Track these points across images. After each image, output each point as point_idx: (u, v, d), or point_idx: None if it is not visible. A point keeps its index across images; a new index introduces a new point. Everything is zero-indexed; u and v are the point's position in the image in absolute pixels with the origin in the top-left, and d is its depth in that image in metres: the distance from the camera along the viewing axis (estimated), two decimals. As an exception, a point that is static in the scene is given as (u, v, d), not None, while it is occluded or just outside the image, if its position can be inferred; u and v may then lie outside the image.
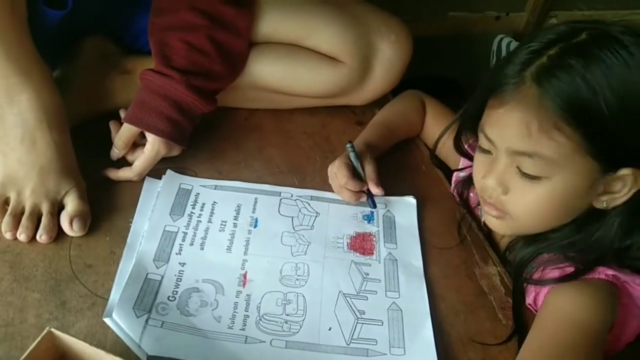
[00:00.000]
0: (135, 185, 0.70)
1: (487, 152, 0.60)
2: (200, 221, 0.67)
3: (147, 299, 0.57)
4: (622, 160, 0.54)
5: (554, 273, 0.59)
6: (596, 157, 0.53)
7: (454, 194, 0.75)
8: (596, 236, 0.58)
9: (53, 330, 0.49)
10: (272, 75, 0.78)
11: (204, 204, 0.69)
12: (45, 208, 0.63)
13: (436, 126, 0.79)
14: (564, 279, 0.58)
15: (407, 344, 0.57)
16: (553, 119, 0.52)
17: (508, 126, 0.55)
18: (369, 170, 0.70)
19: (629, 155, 0.54)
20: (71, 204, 0.64)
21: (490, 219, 0.63)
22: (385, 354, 0.56)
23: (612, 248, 0.57)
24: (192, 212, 0.67)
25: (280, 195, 0.71)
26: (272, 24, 0.77)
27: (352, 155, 0.70)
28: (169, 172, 0.71)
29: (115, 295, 0.57)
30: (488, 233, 0.72)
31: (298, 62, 0.78)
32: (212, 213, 0.68)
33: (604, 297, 0.57)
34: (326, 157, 0.78)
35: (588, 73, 0.51)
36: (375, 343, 0.57)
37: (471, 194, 0.73)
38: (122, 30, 0.82)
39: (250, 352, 0.55)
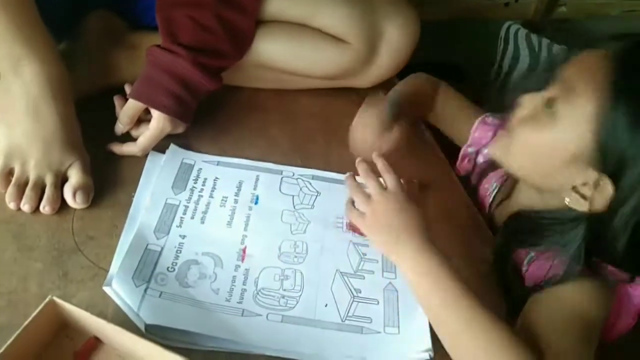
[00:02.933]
0: (139, 160, 0.70)
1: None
2: (202, 196, 0.67)
3: (146, 269, 0.58)
4: (615, 159, 0.55)
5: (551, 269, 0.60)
6: (597, 138, 0.55)
7: (459, 168, 0.77)
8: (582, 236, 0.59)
9: (55, 298, 0.50)
10: (278, 54, 0.78)
11: (205, 179, 0.69)
12: (49, 179, 0.63)
13: (447, 107, 0.81)
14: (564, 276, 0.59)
15: (402, 324, 0.58)
16: (613, 89, 0.55)
17: (583, 64, 0.59)
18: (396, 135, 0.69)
19: (617, 166, 0.55)
20: (75, 176, 0.64)
21: (495, 141, 0.67)
22: (379, 332, 0.57)
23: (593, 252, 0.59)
24: (194, 187, 0.68)
25: (282, 174, 0.72)
26: (279, 3, 0.77)
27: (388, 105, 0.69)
28: (172, 146, 0.72)
29: (115, 265, 0.58)
30: (490, 218, 0.73)
31: (304, 42, 0.78)
32: (213, 188, 0.68)
33: (603, 291, 0.58)
34: (329, 139, 0.79)
35: None
36: (370, 321, 0.58)
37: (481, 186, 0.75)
38: (129, 6, 0.81)
39: (246, 324, 0.56)
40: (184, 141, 0.74)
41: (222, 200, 0.67)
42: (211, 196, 0.68)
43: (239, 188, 0.69)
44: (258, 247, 0.63)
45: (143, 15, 0.81)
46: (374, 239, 0.59)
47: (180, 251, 0.61)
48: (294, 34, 0.78)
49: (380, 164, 0.62)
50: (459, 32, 0.82)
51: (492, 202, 0.75)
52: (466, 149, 0.78)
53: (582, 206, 0.58)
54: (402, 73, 0.84)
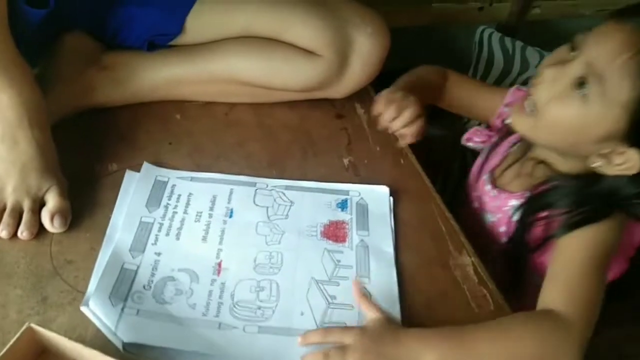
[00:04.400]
0: (116, 182, 0.71)
1: (570, 53, 0.63)
2: (176, 212, 0.68)
3: (123, 288, 0.59)
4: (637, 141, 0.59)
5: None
6: (629, 120, 0.58)
7: (492, 124, 0.84)
8: (604, 187, 0.64)
9: (33, 325, 0.51)
10: (251, 70, 0.80)
11: (180, 195, 0.70)
12: (26, 205, 0.64)
13: (463, 90, 0.87)
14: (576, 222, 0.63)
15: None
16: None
17: (611, 42, 0.59)
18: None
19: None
20: (52, 200, 0.65)
21: (516, 118, 0.68)
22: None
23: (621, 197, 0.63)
24: (168, 204, 0.69)
25: (255, 186, 0.72)
26: (248, 18, 0.79)
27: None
28: (145, 164, 0.72)
29: (92, 285, 0.59)
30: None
31: (276, 56, 0.79)
32: (187, 204, 0.69)
33: (616, 227, 0.63)
34: (306, 151, 0.80)
35: None
36: (345, 326, 0.58)
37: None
38: (101, 26, 0.82)
39: (223, 337, 0.56)
40: (160, 158, 0.75)
41: (197, 215, 0.68)
42: (185, 212, 0.68)
43: (213, 202, 0.70)
44: (233, 261, 0.64)
45: (116, 35, 0.83)
46: None
47: (156, 269, 0.62)
48: (266, 49, 0.79)
49: (358, 295, 0.61)
50: (434, 37, 0.84)
51: (505, 158, 0.78)
52: (502, 109, 0.82)
53: (610, 170, 0.62)
54: (377, 81, 0.85)
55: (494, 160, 0.80)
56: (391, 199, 0.73)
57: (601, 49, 0.59)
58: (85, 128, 0.76)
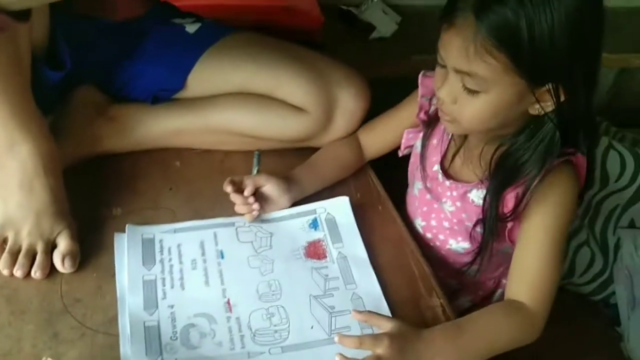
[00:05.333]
0: (120, 225, 0.77)
1: (442, 66, 0.69)
2: (172, 265, 0.74)
3: (154, 344, 0.65)
4: (543, 78, 0.65)
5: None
6: (522, 76, 0.64)
7: (418, 119, 0.84)
8: (549, 133, 0.69)
9: (49, 359, 0.57)
10: (246, 123, 0.88)
11: (170, 247, 0.76)
12: (40, 247, 0.70)
13: (372, 132, 0.91)
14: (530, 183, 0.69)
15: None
16: (485, 44, 0.62)
17: (452, 48, 0.66)
18: (249, 183, 0.79)
19: (549, 74, 0.64)
20: (63, 243, 0.71)
21: (445, 123, 0.74)
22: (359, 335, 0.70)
23: (563, 142, 0.69)
24: (162, 258, 0.75)
25: (235, 225, 0.81)
26: (245, 76, 0.88)
27: (254, 162, 0.82)
28: (128, 226, 0.77)
29: (124, 351, 0.64)
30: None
31: (269, 111, 0.88)
32: (180, 255, 0.76)
33: (571, 184, 0.71)
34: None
35: (516, 4, 0.61)
36: (349, 329, 0.70)
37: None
38: (110, 81, 0.88)
39: (256, 364, 0.65)
40: (160, 203, 0.82)
41: (192, 263, 0.75)
42: (181, 262, 0.75)
43: (202, 248, 0.77)
44: (239, 296, 0.72)
45: (122, 88, 0.90)
46: None
47: (175, 319, 0.68)
48: (260, 104, 0.88)
49: (365, 318, 0.67)
50: (413, 86, 0.90)
51: (448, 143, 0.82)
52: (420, 101, 0.84)
53: (548, 108, 0.67)
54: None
55: (436, 151, 0.83)
56: (351, 206, 0.84)
57: (453, 55, 0.66)
58: (92, 174, 0.84)
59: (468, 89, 0.67)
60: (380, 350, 0.62)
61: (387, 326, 0.65)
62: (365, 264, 0.78)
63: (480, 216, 0.76)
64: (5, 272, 0.69)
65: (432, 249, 0.86)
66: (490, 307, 0.73)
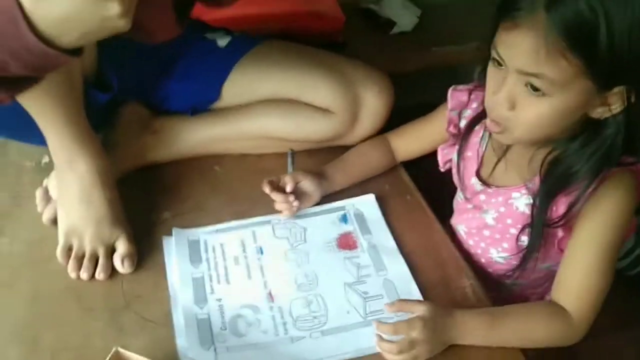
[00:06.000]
0: (169, 228, 0.85)
1: (499, 65, 0.65)
2: (217, 262, 0.82)
3: (206, 334, 0.72)
4: (616, 80, 0.61)
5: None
6: (594, 79, 0.61)
7: (448, 132, 0.85)
8: (611, 137, 0.65)
9: (120, 349, 0.64)
10: (278, 127, 0.95)
11: (214, 247, 0.84)
12: (101, 252, 0.79)
13: (403, 138, 0.94)
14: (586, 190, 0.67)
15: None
16: (559, 46, 0.58)
17: (520, 49, 0.61)
18: (289, 180, 0.85)
19: (623, 77, 0.61)
20: (121, 246, 0.80)
21: (495, 133, 0.71)
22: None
23: (626, 145, 0.66)
24: (208, 257, 0.82)
25: (271, 223, 0.87)
26: (274, 85, 0.95)
27: (288, 161, 0.88)
28: (174, 230, 0.85)
29: (180, 342, 0.71)
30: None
31: (298, 115, 0.94)
32: (223, 253, 0.83)
33: (629, 192, 0.68)
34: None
35: (592, 2, 0.56)
36: (383, 312, 0.75)
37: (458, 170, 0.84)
38: (152, 96, 0.97)
39: (298, 347, 0.72)
40: (202, 206, 0.89)
41: (235, 260, 0.82)
42: (224, 259, 0.82)
43: (243, 246, 0.84)
44: (280, 287, 0.79)
45: (163, 102, 0.99)
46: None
47: (223, 311, 0.75)
48: (290, 109, 0.95)
49: (397, 308, 0.71)
50: (437, 78, 0.91)
51: (484, 153, 0.81)
52: (449, 114, 0.84)
53: (613, 112, 0.63)
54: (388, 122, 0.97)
55: (471, 163, 0.83)
56: (378, 202, 0.90)
57: (519, 57, 0.62)
58: (141, 183, 0.92)
59: (532, 89, 0.63)
60: (415, 334, 0.67)
61: (419, 310, 0.70)
62: (394, 251, 0.83)
63: (526, 222, 0.74)
64: (73, 275, 0.78)
65: (473, 256, 0.87)
66: (532, 304, 0.75)
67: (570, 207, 0.69)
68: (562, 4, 0.58)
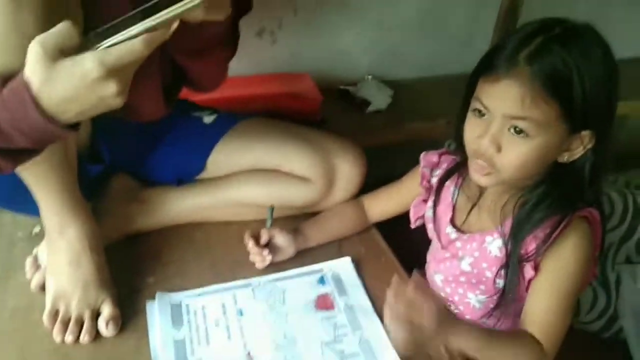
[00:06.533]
0: (152, 293, 0.88)
1: (482, 115, 0.74)
2: (198, 325, 0.84)
3: (188, 393, 0.74)
4: (584, 124, 0.71)
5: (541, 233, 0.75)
6: (569, 122, 0.71)
7: (421, 187, 0.91)
8: (572, 182, 0.75)
9: None
10: (259, 194, 1.01)
11: (195, 310, 0.86)
12: (87, 315, 0.82)
13: (376, 199, 1.02)
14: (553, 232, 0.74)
15: (381, 362, 0.79)
16: (541, 93, 0.68)
17: (505, 97, 0.70)
18: (264, 234, 0.93)
19: (590, 120, 0.71)
20: (106, 310, 0.83)
21: (477, 176, 0.77)
22: None
23: (584, 190, 0.75)
24: (189, 320, 0.85)
25: (251, 285, 0.91)
26: (256, 156, 1.02)
27: (268, 215, 0.94)
28: (158, 294, 0.88)
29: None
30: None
31: (278, 184, 1.01)
32: (204, 316, 0.86)
33: (586, 241, 0.75)
34: (302, 253, 0.98)
35: (566, 57, 0.68)
36: (359, 369, 0.78)
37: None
38: (141, 167, 1.03)
39: (276, 406, 0.73)
40: (185, 271, 0.93)
41: (215, 322, 0.85)
42: (205, 322, 0.85)
43: (224, 308, 0.87)
44: (259, 347, 0.81)
45: (151, 173, 1.04)
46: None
47: (203, 372, 0.77)
48: (270, 179, 1.01)
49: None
50: (408, 152, 0.96)
51: (456, 203, 0.87)
52: (422, 170, 0.92)
53: (575, 156, 0.73)
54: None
55: (445, 213, 0.89)
56: (354, 264, 0.95)
57: (506, 103, 0.71)
58: (128, 249, 0.97)
59: (516, 132, 0.71)
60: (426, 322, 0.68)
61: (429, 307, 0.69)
62: (370, 311, 0.87)
63: (500, 264, 0.80)
64: (59, 339, 0.80)
65: (451, 304, 0.90)
66: (516, 331, 0.79)
67: (538, 248, 0.75)
68: (541, 60, 0.69)
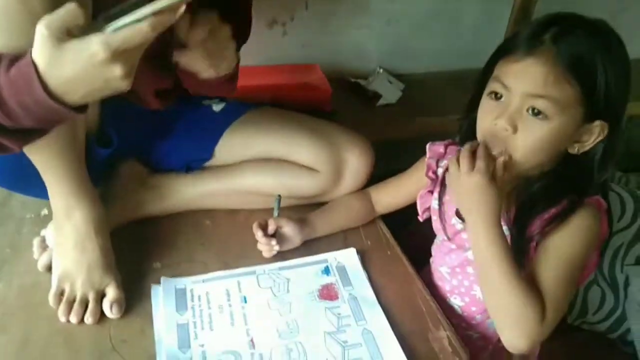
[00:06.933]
0: (159, 278, 0.89)
1: (499, 98, 0.75)
2: (202, 310, 0.84)
3: (188, 378, 0.74)
4: (600, 112, 0.72)
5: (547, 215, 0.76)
6: (587, 106, 0.71)
7: (427, 176, 0.91)
8: (579, 174, 0.76)
9: None
10: (266, 184, 1.01)
11: (199, 296, 0.87)
12: (91, 296, 0.83)
13: (383, 190, 1.02)
14: (559, 215, 0.75)
15: (384, 355, 0.78)
16: (565, 73, 0.69)
17: (527, 75, 0.71)
18: (271, 224, 0.92)
19: (607, 110, 0.72)
20: (111, 292, 0.83)
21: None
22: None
23: (591, 182, 0.76)
24: (193, 305, 0.85)
25: (255, 273, 0.91)
26: (265, 146, 1.02)
27: (275, 205, 0.93)
28: (163, 279, 0.88)
29: (162, 383, 0.73)
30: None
31: (286, 173, 1.01)
32: (208, 301, 0.86)
33: (593, 224, 0.75)
34: (307, 242, 0.98)
35: (592, 43, 0.70)
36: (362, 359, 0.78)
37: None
38: (150, 154, 1.04)
39: (276, 393, 0.73)
40: (193, 257, 0.94)
41: (219, 308, 0.85)
42: (209, 307, 0.85)
43: (227, 295, 0.87)
44: (261, 334, 0.81)
45: (161, 160, 1.05)
46: (460, 200, 0.77)
47: (205, 357, 0.77)
48: (277, 168, 1.01)
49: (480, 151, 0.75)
50: (420, 147, 0.94)
51: None
52: (428, 161, 0.92)
53: (585, 148, 0.74)
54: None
55: (450, 204, 0.89)
56: (359, 256, 0.94)
57: (527, 81, 0.72)
58: (137, 234, 0.97)
59: (536, 113, 0.71)
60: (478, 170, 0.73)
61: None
62: (374, 303, 0.86)
63: None
64: (63, 319, 0.81)
65: (457, 296, 0.91)
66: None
67: (542, 228, 0.76)
68: (567, 41, 0.70)
